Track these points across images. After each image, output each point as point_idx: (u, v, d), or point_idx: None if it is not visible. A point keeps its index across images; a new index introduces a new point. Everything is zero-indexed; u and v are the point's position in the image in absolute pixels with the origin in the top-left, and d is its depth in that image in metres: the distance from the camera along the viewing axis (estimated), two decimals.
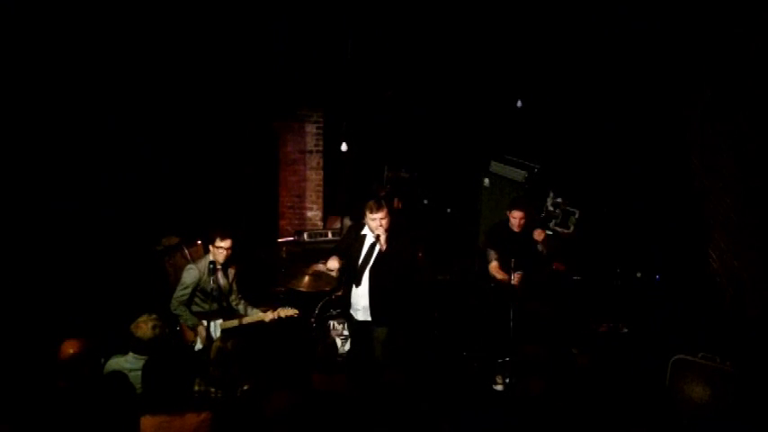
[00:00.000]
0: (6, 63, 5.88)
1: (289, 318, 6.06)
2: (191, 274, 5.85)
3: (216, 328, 5.88)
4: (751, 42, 5.80)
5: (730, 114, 6.21)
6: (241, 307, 6.14)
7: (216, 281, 5.60)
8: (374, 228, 5.72)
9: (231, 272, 6.05)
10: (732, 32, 6.07)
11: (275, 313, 6.03)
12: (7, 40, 5.82)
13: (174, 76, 7.53)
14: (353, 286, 5.91)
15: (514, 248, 6.30)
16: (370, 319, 5.87)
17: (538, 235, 6.38)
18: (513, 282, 6.12)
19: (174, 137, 7.78)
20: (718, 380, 5.11)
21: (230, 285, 6.03)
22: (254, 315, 6.09)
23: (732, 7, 6.04)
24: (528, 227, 6.49)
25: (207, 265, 5.67)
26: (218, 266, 5.78)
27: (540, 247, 6.44)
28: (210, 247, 5.86)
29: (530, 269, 6.25)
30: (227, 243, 5.80)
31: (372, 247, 5.84)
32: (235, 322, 6.00)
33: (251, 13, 7.70)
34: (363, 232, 5.90)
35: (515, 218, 6.48)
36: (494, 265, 6.56)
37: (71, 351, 4.31)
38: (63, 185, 6.43)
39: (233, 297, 6.09)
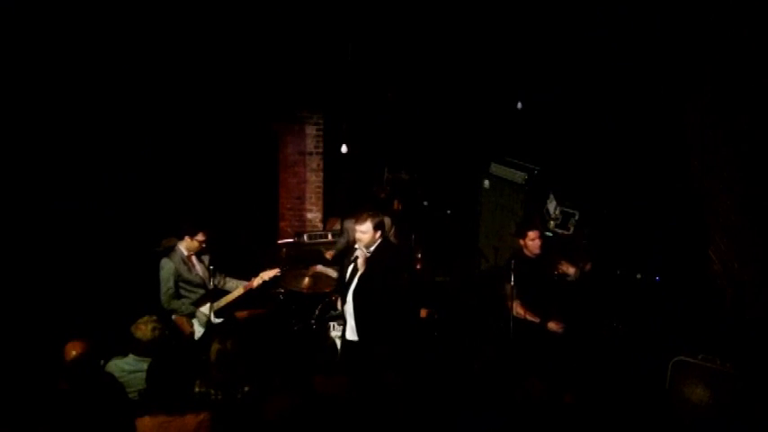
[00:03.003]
0: (8, 64, 5.90)
1: (273, 278, 6.23)
2: (166, 269, 5.95)
3: (210, 312, 6.01)
4: (751, 41, 5.80)
5: (730, 114, 6.20)
6: (229, 285, 6.28)
7: (193, 269, 6.00)
8: (357, 239, 5.57)
9: (206, 258, 6.20)
10: (732, 32, 6.07)
11: (259, 278, 6.19)
12: (8, 40, 5.84)
13: (175, 78, 7.55)
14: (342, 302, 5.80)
15: (537, 280, 5.95)
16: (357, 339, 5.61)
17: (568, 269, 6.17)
18: (552, 328, 5.87)
19: (175, 138, 7.81)
20: (719, 381, 5.10)
21: (209, 269, 6.10)
22: (241, 287, 6.23)
23: (732, 7, 6.04)
24: (548, 256, 6.20)
25: (180, 255, 5.97)
26: (191, 255, 6.05)
27: (570, 278, 6.18)
28: (188, 239, 6.00)
29: (558, 306, 5.99)
30: (204, 236, 6.01)
31: (356, 262, 5.61)
32: (228, 298, 6.17)
33: (252, 15, 7.71)
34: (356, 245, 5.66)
35: (532, 239, 6.02)
36: (518, 302, 5.89)
37: (74, 353, 4.32)
38: (64, 186, 6.46)
39: (218, 278, 6.19)
